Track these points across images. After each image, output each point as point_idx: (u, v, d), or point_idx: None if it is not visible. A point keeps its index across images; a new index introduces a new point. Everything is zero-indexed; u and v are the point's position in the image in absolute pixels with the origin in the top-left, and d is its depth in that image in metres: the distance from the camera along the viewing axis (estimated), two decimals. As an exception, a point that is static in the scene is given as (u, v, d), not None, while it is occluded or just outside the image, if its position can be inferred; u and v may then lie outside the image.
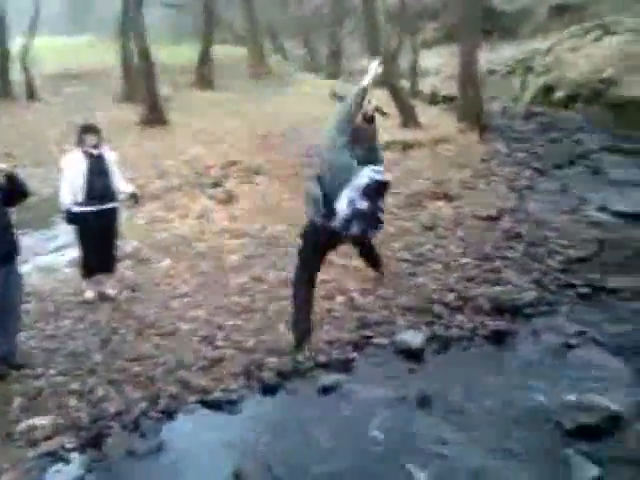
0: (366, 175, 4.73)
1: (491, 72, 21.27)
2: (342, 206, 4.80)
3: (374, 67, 5.11)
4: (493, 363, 5.71)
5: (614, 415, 4.82)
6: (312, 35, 29.01)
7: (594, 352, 5.82)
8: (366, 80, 5.00)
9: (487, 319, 6.29)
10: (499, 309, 6.44)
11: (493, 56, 22.47)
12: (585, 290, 6.92)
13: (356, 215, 4.80)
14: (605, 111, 17.16)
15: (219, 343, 5.85)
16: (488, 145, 13.61)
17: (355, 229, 4.89)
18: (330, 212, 4.94)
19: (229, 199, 9.77)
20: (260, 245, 8.20)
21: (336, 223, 4.90)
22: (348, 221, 4.84)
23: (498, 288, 6.87)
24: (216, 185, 10.32)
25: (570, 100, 18.55)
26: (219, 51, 21.71)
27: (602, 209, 9.83)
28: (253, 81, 20.57)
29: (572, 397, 5.07)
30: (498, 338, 6.04)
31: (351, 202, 4.75)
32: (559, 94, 18.95)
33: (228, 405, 5.07)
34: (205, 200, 9.85)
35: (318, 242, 5.31)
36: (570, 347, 5.88)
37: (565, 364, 5.65)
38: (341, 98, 4.39)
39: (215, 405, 5.06)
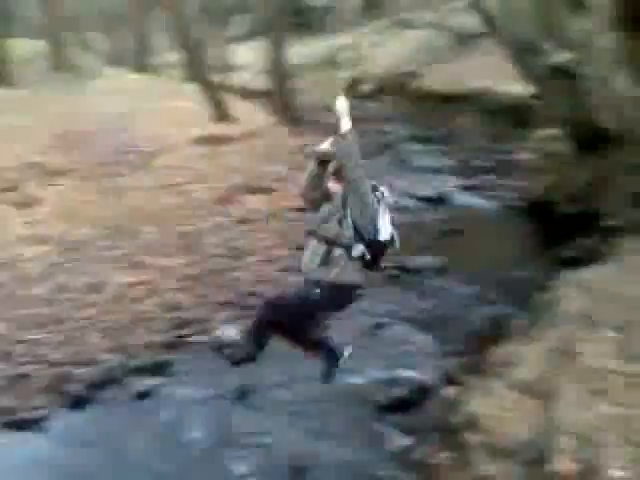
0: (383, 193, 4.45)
1: (302, 66, 21.73)
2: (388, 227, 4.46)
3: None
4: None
5: (422, 386, 5.11)
6: (118, 28, 27.88)
7: (403, 329, 6.14)
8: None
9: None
10: (313, 297, 6.56)
11: (303, 50, 22.97)
12: (393, 272, 7.26)
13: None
14: (409, 103, 18.15)
15: (21, 359, 5.41)
16: (301, 138, 13.85)
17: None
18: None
19: (28, 203, 9.04)
20: (65, 251, 7.69)
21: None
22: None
23: (312, 276, 6.99)
24: (11, 189, 9.46)
25: (376, 93, 19.42)
26: (17, 45, 20.11)
27: (407, 194, 10.37)
28: (53, 76, 19.28)
29: (384, 374, 5.32)
30: (315, 326, 6.16)
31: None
32: (366, 87, 19.78)
33: (35, 423, 4.73)
34: (-2, 205, 8.97)
35: None
36: (381, 326, 6.15)
37: (377, 343, 5.90)
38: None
39: (22, 425, 4.71)
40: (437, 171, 11.96)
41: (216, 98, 14.13)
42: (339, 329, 6.07)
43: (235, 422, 4.75)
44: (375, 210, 3.90)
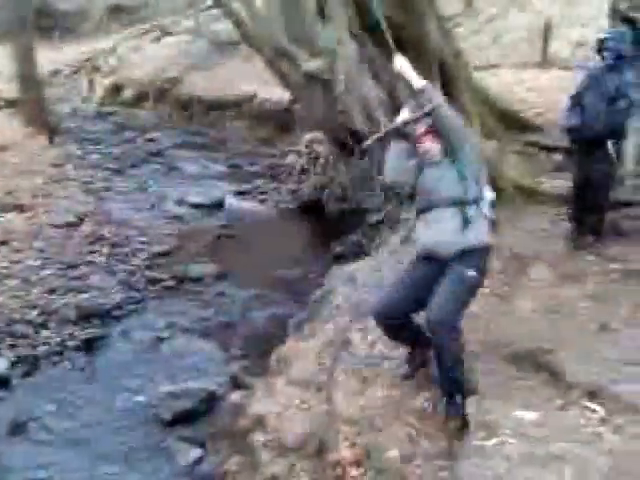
0: None
1: (55, 72, 20.45)
2: None
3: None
4: (87, 372, 5.56)
5: (209, 395, 5.10)
6: None
7: (185, 340, 6.09)
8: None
9: (76, 329, 6.07)
10: (87, 316, 6.27)
11: (56, 56, 21.64)
12: (171, 283, 7.17)
13: None
14: (174, 109, 17.91)
15: None
16: (60, 149, 13.05)
17: None
18: None
19: None
20: None
21: None
22: None
23: (85, 295, 6.66)
24: None
25: (139, 99, 18.90)
26: None
27: (180, 203, 10.27)
28: None
29: (168, 388, 5.22)
30: (89, 346, 5.90)
31: None
32: (128, 93, 19.17)
33: None
34: None
35: None
36: (162, 340, 6.04)
37: (159, 357, 5.79)
38: None
39: None
40: (208, 177, 11.97)
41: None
42: (119, 348, 5.91)
43: (9, 460, 4.37)
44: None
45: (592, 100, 4.97)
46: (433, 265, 3.40)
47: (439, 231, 3.37)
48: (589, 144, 5.01)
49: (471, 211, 3.39)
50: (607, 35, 5.11)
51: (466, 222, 3.34)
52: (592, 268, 4.68)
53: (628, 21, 6.00)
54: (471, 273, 3.30)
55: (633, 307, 3.90)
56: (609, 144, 4.92)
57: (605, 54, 4.99)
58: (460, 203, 3.38)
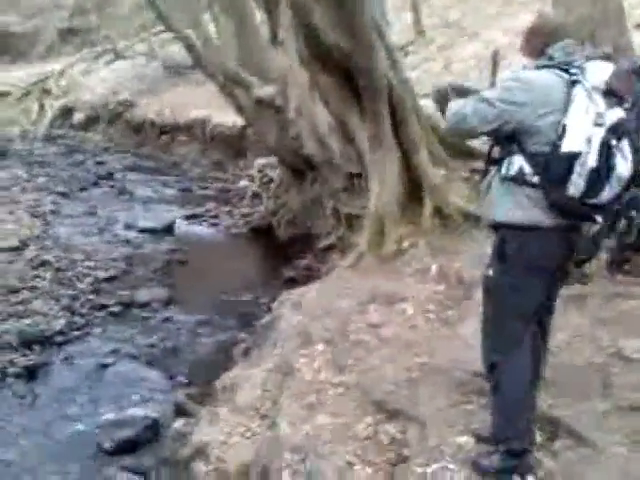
0: None
1: (5, 94, 20.11)
2: None
3: None
4: (28, 400, 5.39)
5: (152, 423, 4.98)
6: None
7: (129, 367, 5.95)
8: None
9: (17, 356, 5.88)
10: (29, 343, 6.09)
11: (7, 78, 21.30)
12: (116, 308, 7.04)
13: None
14: (126, 132, 17.81)
15: None
16: (7, 171, 12.82)
17: None
18: None
19: None
20: None
21: None
22: None
23: (26, 321, 6.48)
24: None
25: (91, 122, 18.75)
26: None
27: (129, 227, 10.14)
28: None
29: (111, 415, 5.09)
30: (30, 373, 5.72)
31: None
32: (79, 116, 18.99)
33: None
34: None
35: None
36: (106, 366, 5.90)
37: (102, 384, 5.65)
38: None
39: None
40: (158, 201, 11.88)
41: None
42: (61, 375, 5.75)
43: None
44: None
45: None
46: None
47: None
48: None
49: None
50: None
51: None
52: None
53: None
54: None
55: (571, 331, 3.96)
56: None
57: None
58: None
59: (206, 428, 4.09)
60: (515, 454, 2.71)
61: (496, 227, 2.76)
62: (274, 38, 9.45)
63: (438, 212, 6.07)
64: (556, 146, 2.51)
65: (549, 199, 2.56)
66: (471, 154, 6.98)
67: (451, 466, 2.85)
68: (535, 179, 2.58)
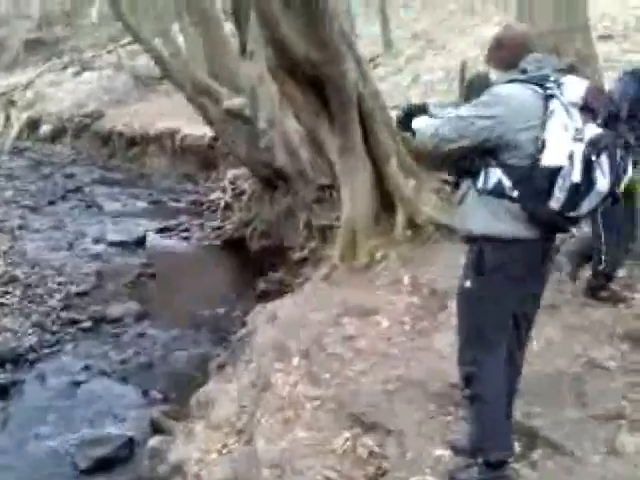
0: None
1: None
2: None
3: None
4: (0, 420, 5.29)
5: (127, 441, 4.93)
6: None
7: (103, 384, 5.88)
8: None
9: (-15, 376, 5.76)
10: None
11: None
12: (88, 324, 6.96)
13: None
14: (94, 144, 17.63)
15: None
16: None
17: None
18: None
19: None
20: None
21: None
22: None
23: (-4, 339, 6.37)
24: None
25: (58, 134, 18.53)
26: None
27: (99, 241, 10.03)
28: None
29: (85, 434, 5.04)
30: (2, 392, 5.63)
31: None
32: (46, 128, 18.75)
33: None
34: None
35: None
36: (79, 384, 5.83)
37: (76, 402, 5.58)
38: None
39: None
40: (128, 214, 11.76)
41: None
42: (33, 393, 5.65)
43: None
44: None
45: None
46: None
47: None
48: None
49: None
50: None
51: None
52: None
53: None
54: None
55: (543, 341, 4.02)
56: None
57: None
58: None
59: (182, 445, 4.06)
60: (494, 465, 2.73)
61: (473, 239, 2.76)
62: (243, 49, 9.47)
63: (410, 223, 6.10)
64: (536, 160, 2.55)
65: (529, 212, 2.59)
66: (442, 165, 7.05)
67: (430, 479, 2.86)
68: (515, 193, 2.60)
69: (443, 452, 3.06)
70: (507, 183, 2.60)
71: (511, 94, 2.63)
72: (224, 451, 3.77)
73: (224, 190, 10.98)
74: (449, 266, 5.34)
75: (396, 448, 3.17)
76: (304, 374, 3.96)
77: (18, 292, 7.64)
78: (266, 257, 8.67)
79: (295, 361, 4.18)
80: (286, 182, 8.41)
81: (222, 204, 10.71)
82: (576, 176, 2.48)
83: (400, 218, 6.12)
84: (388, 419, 3.42)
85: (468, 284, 2.74)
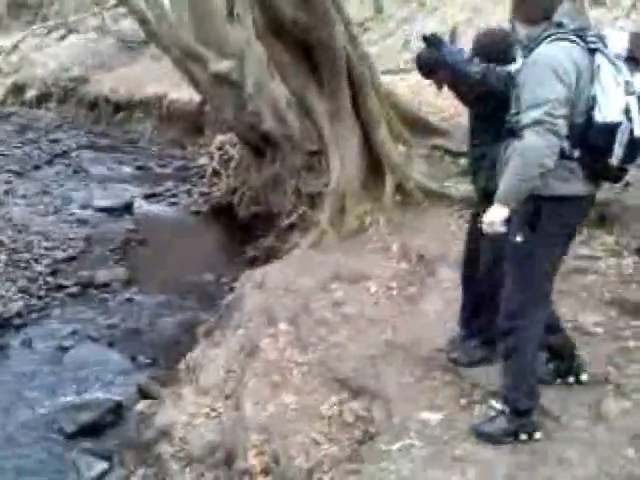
0: None
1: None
2: None
3: None
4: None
5: (115, 406, 4.94)
6: None
7: (90, 349, 5.88)
8: None
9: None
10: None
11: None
12: (75, 289, 6.93)
13: None
14: (79, 109, 17.37)
15: None
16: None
17: None
18: None
19: None
20: None
21: None
22: None
23: (-18, 304, 6.32)
24: None
25: (43, 99, 18.24)
26: None
27: (86, 206, 9.95)
28: None
29: (72, 399, 5.06)
30: (-12, 357, 5.60)
31: None
32: (31, 93, 18.46)
33: None
34: None
35: None
36: (66, 349, 5.82)
37: (62, 367, 5.57)
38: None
39: None
40: (115, 180, 11.64)
41: None
42: (20, 358, 5.64)
43: None
44: None
45: None
46: None
47: None
48: None
49: None
50: None
51: None
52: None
53: None
54: None
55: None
56: None
57: None
58: None
59: (170, 410, 4.07)
60: (522, 413, 2.82)
61: (527, 197, 2.67)
62: (230, 12, 9.28)
63: (399, 189, 6.07)
64: (590, 117, 2.54)
65: (589, 170, 2.63)
66: (432, 130, 7.00)
67: (417, 442, 2.88)
68: (576, 153, 2.60)
69: (429, 416, 3.08)
70: (565, 143, 2.58)
71: (561, 53, 2.54)
72: (212, 415, 3.79)
73: (212, 156, 10.86)
74: (438, 232, 5.35)
75: (382, 412, 3.18)
76: (292, 339, 3.97)
77: (4, 257, 7.57)
78: (254, 223, 8.62)
79: (283, 326, 4.18)
80: (274, 148, 8.31)
81: (210, 170, 10.60)
82: (637, 130, 2.49)
83: (389, 184, 6.08)
84: (375, 384, 3.43)
85: (519, 239, 2.74)
